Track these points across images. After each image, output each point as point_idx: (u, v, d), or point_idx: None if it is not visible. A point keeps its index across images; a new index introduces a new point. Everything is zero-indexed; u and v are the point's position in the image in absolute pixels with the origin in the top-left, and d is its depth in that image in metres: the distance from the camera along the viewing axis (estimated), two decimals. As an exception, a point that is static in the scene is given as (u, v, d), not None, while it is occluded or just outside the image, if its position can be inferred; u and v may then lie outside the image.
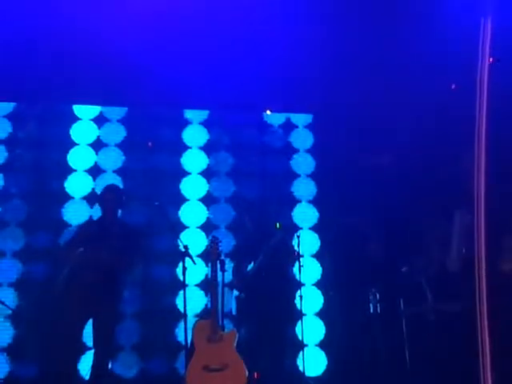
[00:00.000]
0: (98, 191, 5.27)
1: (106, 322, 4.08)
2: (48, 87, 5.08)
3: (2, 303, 4.46)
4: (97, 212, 4.64)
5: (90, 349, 4.49)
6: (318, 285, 5.45)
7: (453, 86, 4.82)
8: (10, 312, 4.79)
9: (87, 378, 4.15)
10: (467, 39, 3.70)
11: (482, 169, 3.04)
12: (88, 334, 4.14)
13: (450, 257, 4.78)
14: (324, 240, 5.56)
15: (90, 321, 4.08)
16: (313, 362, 5.11)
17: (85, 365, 4.46)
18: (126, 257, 4.15)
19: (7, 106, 5.43)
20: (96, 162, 5.50)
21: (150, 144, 5.49)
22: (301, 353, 4.83)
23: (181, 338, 4.80)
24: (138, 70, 4.99)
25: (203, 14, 4.67)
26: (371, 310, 4.48)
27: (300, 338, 4.84)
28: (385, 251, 5.21)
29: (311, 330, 5.25)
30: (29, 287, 5.04)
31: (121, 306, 4.27)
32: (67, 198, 5.32)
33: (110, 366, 4.22)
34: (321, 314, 5.39)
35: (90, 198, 5.30)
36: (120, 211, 4.43)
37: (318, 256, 5.54)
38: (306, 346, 5.03)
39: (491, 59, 3.45)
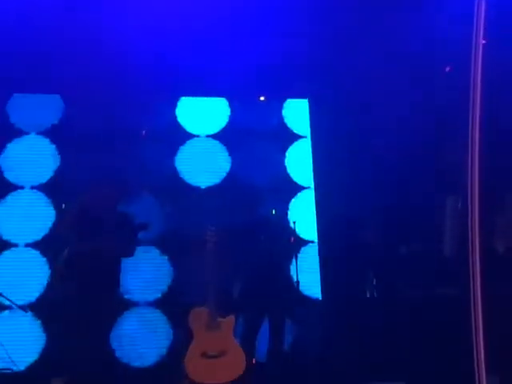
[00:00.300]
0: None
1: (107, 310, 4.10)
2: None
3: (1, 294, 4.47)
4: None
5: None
6: (315, 271, 5.46)
7: (447, 69, 4.80)
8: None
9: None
10: (461, 21, 3.67)
11: (475, 151, 3.02)
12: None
13: (444, 241, 4.80)
14: (321, 225, 5.56)
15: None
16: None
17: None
18: (122, 243, 4.16)
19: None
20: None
21: (143, 132, 5.45)
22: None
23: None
24: (132, 58, 4.92)
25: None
26: (368, 295, 4.51)
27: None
28: (382, 235, 5.22)
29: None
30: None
31: (119, 293, 4.27)
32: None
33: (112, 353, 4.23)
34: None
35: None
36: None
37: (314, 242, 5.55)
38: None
39: (484, 41, 3.42)
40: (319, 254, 5.38)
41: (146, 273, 5.07)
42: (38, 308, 4.88)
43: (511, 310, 3.78)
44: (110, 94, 5.30)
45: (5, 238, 5.07)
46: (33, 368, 4.74)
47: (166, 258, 5.17)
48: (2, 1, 4.36)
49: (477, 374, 2.08)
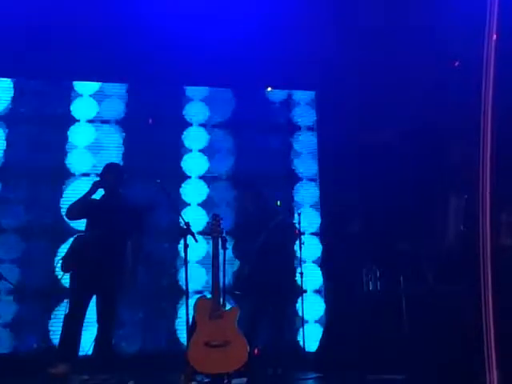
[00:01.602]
0: (99, 168, 5.30)
1: (109, 298, 4.12)
2: (49, 63, 5.02)
3: (5, 279, 4.49)
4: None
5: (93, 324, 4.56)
6: (319, 262, 5.49)
7: (456, 63, 4.76)
8: (12, 287, 4.83)
9: (90, 352, 4.21)
10: (472, 15, 3.64)
11: (487, 148, 3.01)
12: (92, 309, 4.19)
13: (449, 236, 4.79)
14: (325, 218, 5.57)
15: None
16: (313, 337, 5.17)
17: (87, 340, 4.53)
18: (129, 234, 4.17)
19: (6, 82, 5.39)
20: (96, 139, 5.48)
21: (150, 121, 5.45)
22: (301, 329, 4.90)
23: (182, 314, 4.86)
24: (138, 46, 4.93)
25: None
26: (370, 288, 4.52)
27: (300, 314, 4.91)
28: (385, 229, 5.22)
29: (311, 306, 5.31)
30: (31, 263, 5.08)
31: (123, 282, 4.28)
32: (68, 174, 5.32)
33: (112, 341, 4.25)
34: (321, 291, 5.44)
35: (91, 175, 5.30)
36: (121, 189, 4.42)
37: (318, 234, 5.56)
38: (307, 322, 5.09)
39: (495, 36, 3.40)
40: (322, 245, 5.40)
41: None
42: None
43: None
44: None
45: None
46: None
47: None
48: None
49: (488, 373, 2.08)
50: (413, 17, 4.66)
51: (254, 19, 4.91)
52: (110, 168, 4.39)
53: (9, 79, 5.38)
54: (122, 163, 5.32)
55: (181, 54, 5.11)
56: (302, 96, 5.88)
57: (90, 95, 5.53)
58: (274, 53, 5.17)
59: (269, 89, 5.82)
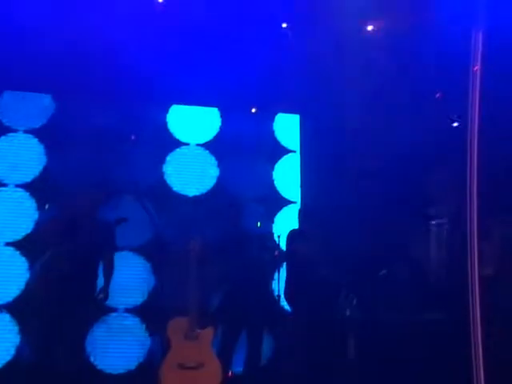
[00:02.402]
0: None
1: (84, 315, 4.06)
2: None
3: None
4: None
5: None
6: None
7: (437, 95, 4.86)
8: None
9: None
10: (457, 49, 3.75)
11: (474, 174, 3.07)
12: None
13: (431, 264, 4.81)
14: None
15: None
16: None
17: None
18: (99, 248, 4.13)
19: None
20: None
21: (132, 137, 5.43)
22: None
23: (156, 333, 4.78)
24: (125, 64, 4.91)
25: (188, 12, 4.65)
26: (347, 314, 4.49)
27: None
28: (366, 255, 5.23)
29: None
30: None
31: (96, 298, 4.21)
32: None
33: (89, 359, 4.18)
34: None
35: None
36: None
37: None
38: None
39: (476, 68, 3.49)
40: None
41: (127, 279, 5.02)
42: (14, 308, 4.81)
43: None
44: (103, 98, 5.29)
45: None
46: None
47: (149, 265, 5.14)
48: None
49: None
50: (402, 44, 4.76)
51: (238, 41, 4.96)
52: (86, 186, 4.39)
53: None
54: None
55: (165, 76, 5.10)
56: (287, 119, 5.93)
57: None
58: (260, 75, 5.22)
59: (253, 110, 5.85)
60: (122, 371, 4.86)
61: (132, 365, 4.90)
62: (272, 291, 4.87)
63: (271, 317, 4.81)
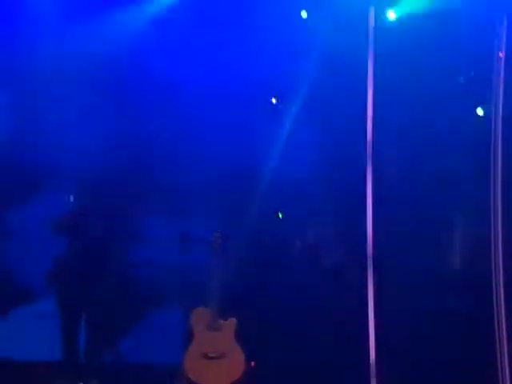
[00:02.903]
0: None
1: (100, 309, 4.14)
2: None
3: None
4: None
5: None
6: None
7: (461, 79, 4.76)
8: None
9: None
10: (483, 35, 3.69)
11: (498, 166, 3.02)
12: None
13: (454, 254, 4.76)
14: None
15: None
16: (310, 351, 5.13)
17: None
18: (107, 243, 4.22)
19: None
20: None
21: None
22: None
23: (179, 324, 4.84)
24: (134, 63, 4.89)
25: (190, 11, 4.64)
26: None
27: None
28: (388, 246, 5.19)
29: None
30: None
31: (113, 292, 4.28)
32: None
33: (110, 351, 4.25)
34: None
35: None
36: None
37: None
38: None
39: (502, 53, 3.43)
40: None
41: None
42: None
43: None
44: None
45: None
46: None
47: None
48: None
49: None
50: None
51: (253, 36, 4.93)
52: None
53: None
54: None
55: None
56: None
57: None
58: (277, 67, 5.17)
59: (273, 100, 5.79)
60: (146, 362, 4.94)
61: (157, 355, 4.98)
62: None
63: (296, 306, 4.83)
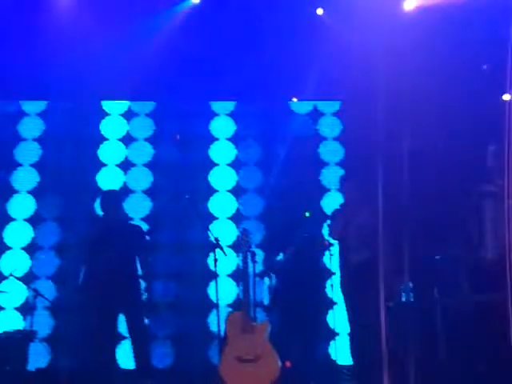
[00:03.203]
0: (129, 185, 5.43)
1: (133, 315, 4.20)
2: (77, 84, 5.16)
3: (41, 295, 4.60)
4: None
5: (125, 338, 4.67)
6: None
7: (484, 67, 4.68)
8: (48, 304, 4.94)
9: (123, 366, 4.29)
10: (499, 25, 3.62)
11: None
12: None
13: (486, 245, 4.68)
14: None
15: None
16: (345, 350, 5.11)
17: (122, 354, 4.63)
18: (131, 252, 4.29)
19: (39, 105, 5.58)
20: (126, 157, 5.60)
21: (177, 137, 5.54)
22: (333, 341, 4.86)
23: (214, 328, 4.89)
24: (164, 65, 5.03)
25: (224, 3, 4.68)
26: (403, 299, 4.44)
27: (332, 326, 4.87)
28: (418, 239, 5.13)
29: (343, 318, 5.25)
30: (65, 279, 5.20)
31: (143, 297, 4.34)
32: (99, 192, 5.43)
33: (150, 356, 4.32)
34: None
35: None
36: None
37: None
38: (338, 334, 5.04)
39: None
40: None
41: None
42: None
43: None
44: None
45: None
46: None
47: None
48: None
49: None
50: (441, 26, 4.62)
51: (277, 30, 4.95)
52: (105, 196, 4.49)
53: (44, 101, 5.56)
54: (151, 179, 5.45)
55: (205, 70, 5.19)
56: (327, 106, 5.87)
57: (120, 114, 5.68)
58: (298, 64, 5.18)
59: (294, 100, 5.83)
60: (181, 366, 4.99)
61: (191, 359, 5.04)
62: (325, 280, 4.87)
63: (325, 306, 4.82)
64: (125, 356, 4.61)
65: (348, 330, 4.43)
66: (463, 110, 4.79)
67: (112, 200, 4.44)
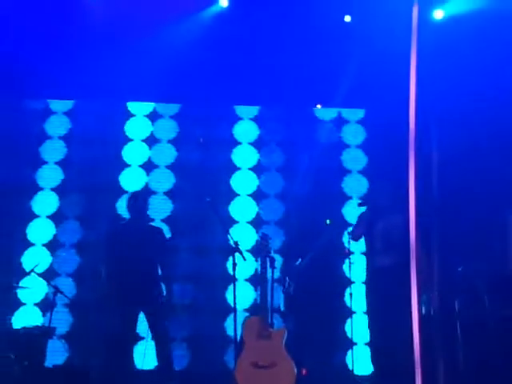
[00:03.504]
0: (152, 186, 5.46)
1: (154, 316, 4.21)
2: (104, 85, 5.23)
3: (60, 292, 4.64)
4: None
5: (142, 339, 4.69)
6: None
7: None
8: (67, 301, 5.00)
9: (141, 367, 4.30)
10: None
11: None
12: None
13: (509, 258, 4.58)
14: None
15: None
16: (362, 360, 5.06)
17: (139, 354, 4.64)
18: (154, 254, 4.28)
19: (66, 104, 5.66)
20: (149, 158, 5.64)
21: (200, 140, 5.56)
22: (350, 351, 4.80)
23: (230, 332, 4.87)
24: (190, 67, 5.06)
25: (251, 9, 4.69)
26: (423, 312, 4.37)
27: (349, 335, 4.81)
28: (440, 251, 5.05)
29: (361, 328, 5.19)
30: (85, 277, 5.24)
31: (164, 298, 4.34)
32: (121, 192, 5.49)
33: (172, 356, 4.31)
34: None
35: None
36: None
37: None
38: (356, 344, 4.99)
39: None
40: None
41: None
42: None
43: None
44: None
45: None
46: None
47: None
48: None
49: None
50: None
51: (302, 37, 4.94)
52: (132, 197, 4.53)
53: (71, 101, 5.65)
54: (173, 181, 5.47)
55: (230, 74, 5.20)
56: (352, 113, 5.84)
57: (144, 115, 5.73)
58: (324, 70, 5.17)
59: (318, 106, 5.81)
60: (197, 369, 4.99)
61: (207, 362, 5.03)
62: (344, 288, 4.82)
63: (343, 314, 4.77)
64: (141, 356, 4.61)
65: (371, 338, 4.34)
66: (493, 123, 4.71)
67: (139, 201, 4.44)
